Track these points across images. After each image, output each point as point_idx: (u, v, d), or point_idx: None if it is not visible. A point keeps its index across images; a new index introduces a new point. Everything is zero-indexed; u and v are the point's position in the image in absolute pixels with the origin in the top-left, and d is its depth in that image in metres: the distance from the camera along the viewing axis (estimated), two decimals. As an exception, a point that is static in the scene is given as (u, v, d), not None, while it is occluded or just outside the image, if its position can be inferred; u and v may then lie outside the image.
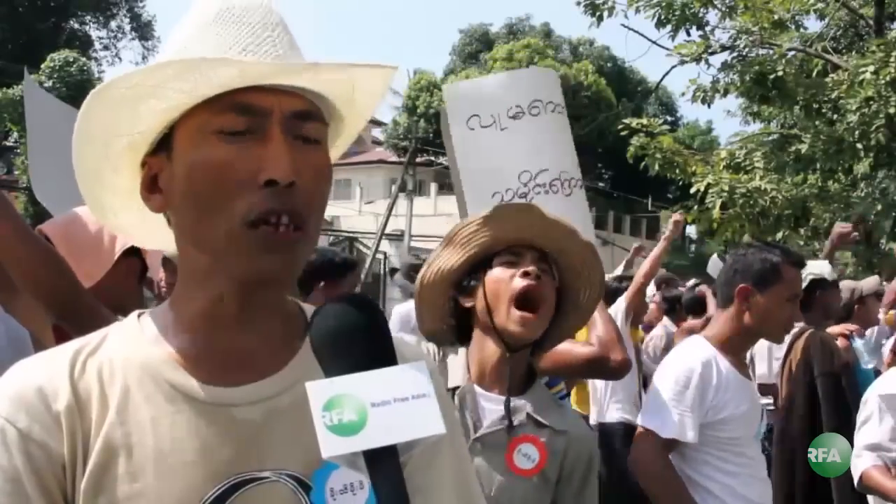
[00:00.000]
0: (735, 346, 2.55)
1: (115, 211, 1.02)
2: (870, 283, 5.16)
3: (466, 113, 2.62)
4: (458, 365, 1.87)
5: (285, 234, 0.87)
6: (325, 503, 0.88)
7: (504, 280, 1.77)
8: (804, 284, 3.10)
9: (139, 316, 0.96)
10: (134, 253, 2.08)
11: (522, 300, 1.75)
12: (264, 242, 0.86)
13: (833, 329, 4.62)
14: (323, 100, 0.93)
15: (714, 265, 5.85)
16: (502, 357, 1.80)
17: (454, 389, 1.81)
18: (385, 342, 0.80)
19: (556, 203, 2.58)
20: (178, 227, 0.92)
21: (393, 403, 0.72)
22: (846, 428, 3.61)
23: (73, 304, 1.78)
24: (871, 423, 2.93)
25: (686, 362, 2.47)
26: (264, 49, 0.89)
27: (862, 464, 2.89)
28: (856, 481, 2.92)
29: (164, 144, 0.91)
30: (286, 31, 0.92)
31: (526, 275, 1.75)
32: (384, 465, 0.71)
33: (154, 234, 1.04)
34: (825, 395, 3.92)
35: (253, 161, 0.86)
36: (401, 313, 6.35)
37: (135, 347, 0.91)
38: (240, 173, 0.86)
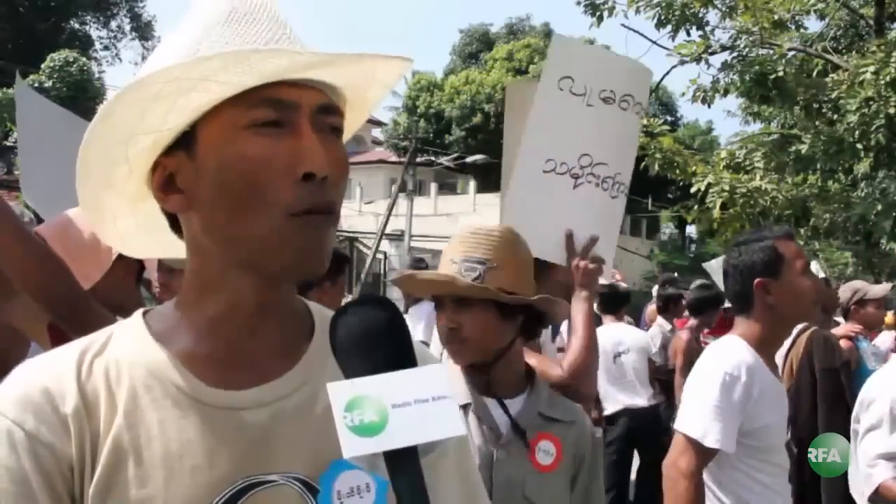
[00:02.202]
0: (770, 344, 2.48)
1: (116, 216, 1.01)
2: (877, 289, 5.09)
3: (563, 71, 2.52)
4: (457, 381, 1.96)
5: (321, 229, 0.88)
6: None
7: (437, 327, 1.98)
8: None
9: (144, 314, 0.96)
10: None
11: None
12: (303, 237, 0.87)
13: (838, 329, 4.63)
14: (337, 92, 0.94)
15: (717, 266, 5.86)
16: (478, 373, 1.94)
17: (465, 406, 1.92)
18: (406, 343, 0.81)
19: (600, 199, 2.56)
20: (203, 225, 0.91)
21: (413, 405, 0.72)
22: (844, 424, 3.57)
23: (72, 305, 1.78)
24: (882, 430, 2.83)
25: (731, 366, 2.34)
26: (283, 45, 0.90)
27: (879, 474, 2.78)
28: (869, 491, 2.81)
29: (181, 143, 0.90)
30: (292, 29, 0.93)
31: (444, 329, 1.93)
32: (405, 466, 0.72)
33: (148, 242, 1.04)
34: (823, 392, 3.95)
35: (288, 154, 0.86)
36: (426, 312, 6.16)
37: (141, 348, 0.91)
38: (276, 166, 0.86)
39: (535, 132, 2.53)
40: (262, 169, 0.86)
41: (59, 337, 1.86)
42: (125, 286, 2.11)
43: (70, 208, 2.82)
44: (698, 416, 2.32)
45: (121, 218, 1.02)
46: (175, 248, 1.01)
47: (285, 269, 0.89)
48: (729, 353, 2.41)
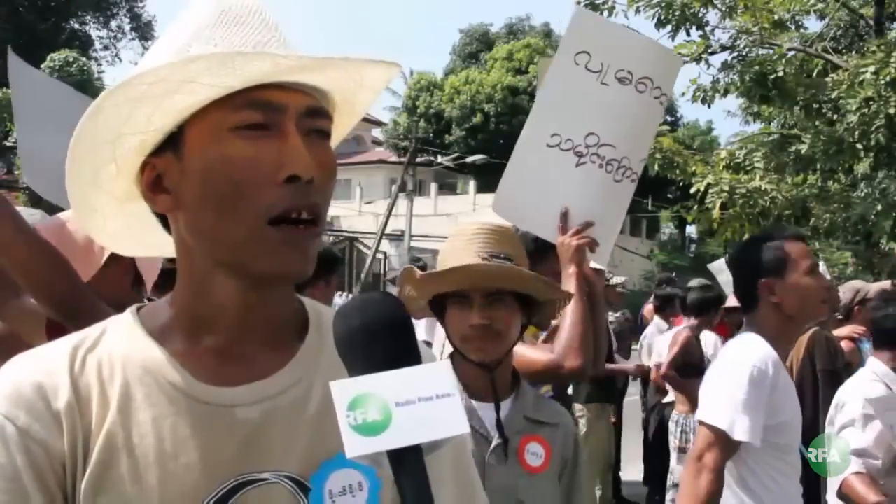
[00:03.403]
0: (780, 343, 2.44)
1: (105, 216, 1.01)
2: (878, 287, 5.08)
3: (581, 46, 2.45)
4: None
5: (303, 233, 0.88)
6: None
7: (457, 324, 1.90)
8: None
9: (138, 310, 0.96)
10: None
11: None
12: (286, 240, 0.87)
13: (841, 330, 4.61)
14: (326, 96, 0.94)
15: (719, 266, 5.88)
16: (483, 373, 1.90)
17: None
18: (410, 341, 0.80)
19: (602, 181, 2.49)
20: (189, 226, 0.91)
21: (417, 403, 0.72)
22: None
23: (77, 304, 1.78)
24: (854, 427, 2.85)
25: (759, 360, 2.32)
26: (272, 49, 0.90)
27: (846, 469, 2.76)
28: (836, 485, 2.82)
29: (169, 144, 0.90)
30: (282, 33, 0.93)
31: (475, 327, 1.86)
32: (409, 464, 0.72)
33: (138, 241, 1.04)
34: (825, 394, 3.91)
35: (273, 156, 0.86)
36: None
37: (134, 344, 0.91)
38: (260, 169, 0.86)
39: (545, 104, 2.49)
40: (247, 171, 0.86)
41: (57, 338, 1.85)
42: (121, 287, 2.09)
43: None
44: (726, 408, 2.29)
45: (110, 218, 1.01)
46: (163, 248, 1.01)
47: (266, 274, 0.89)
48: (755, 346, 2.39)
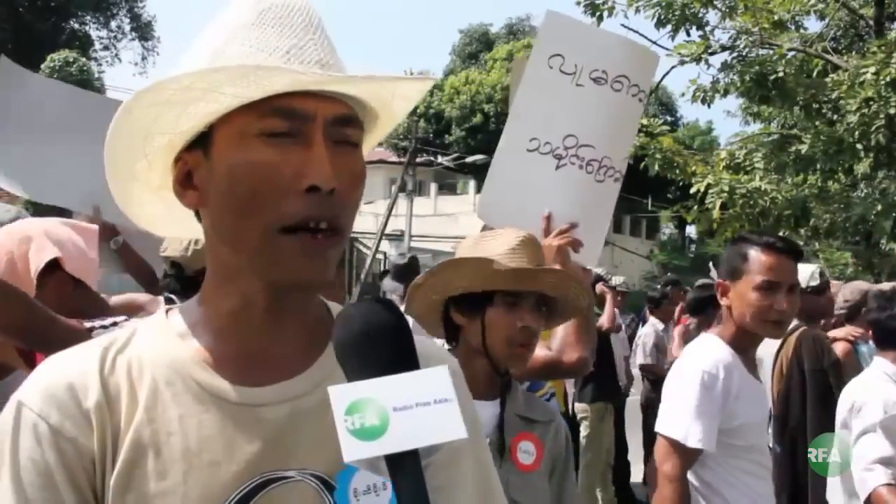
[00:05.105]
0: (742, 342, 2.40)
1: (142, 204, 1.03)
2: (889, 287, 5.05)
3: (554, 48, 2.47)
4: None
5: (322, 242, 0.88)
6: (348, 503, 0.89)
7: (504, 325, 1.86)
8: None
9: (167, 312, 0.98)
10: (54, 266, 2.02)
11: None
12: (301, 249, 0.87)
13: (838, 332, 4.59)
14: (360, 103, 0.94)
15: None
16: (492, 374, 1.92)
17: None
18: (408, 346, 0.80)
19: (583, 182, 2.50)
20: (212, 225, 0.92)
21: (415, 408, 0.72)
22: (831, 426, 3.60)
23: (40, 331, 1.73)
24: (877, 434, 2.80)
25: (709, 365, 2.32)
26: (307, 53, 0.89)
27: (874, 479, 2.74)
28: (864, 495, 2.77)
29: (200, 141, 0.91)
30: (325, 34, 0.93)
31: (526, 329, 1.86)
32: (406, 469, 0.72)
33: (179, 224, 1.06)
34: (811, 393, 3.91)
35: (295, 165, 0.86)
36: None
37: (163, 345, 0.93)
38: (282, 177, 0.86)
39: (521, 110, 2.50)
40: (268, 178, 0.86)
41: (30, 358, 1.83)
42: (63, 296, 2.03)
43: (51, 183, 2.76)
44: (679, 417, 2.29)
45: (147, 205, 1.04)
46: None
47: (282, 281, 0.90)
48: (706, 351, 2.38)
